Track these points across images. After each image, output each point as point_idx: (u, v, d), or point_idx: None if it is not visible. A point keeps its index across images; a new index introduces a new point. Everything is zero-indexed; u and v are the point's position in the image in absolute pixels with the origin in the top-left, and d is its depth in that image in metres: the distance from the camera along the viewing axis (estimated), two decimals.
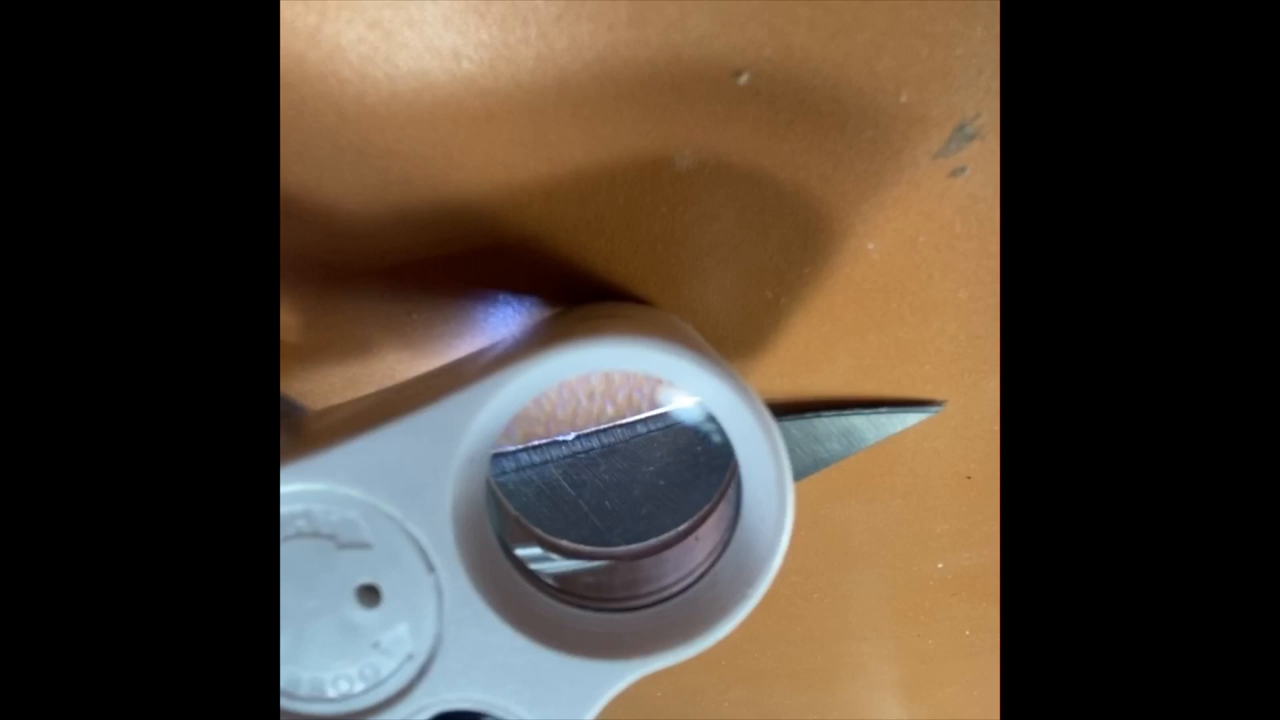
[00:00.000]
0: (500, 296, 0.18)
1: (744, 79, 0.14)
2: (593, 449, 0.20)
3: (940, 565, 0.27)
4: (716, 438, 0.19)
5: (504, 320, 0.18)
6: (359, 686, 0.14)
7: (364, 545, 0.14)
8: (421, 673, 0.14)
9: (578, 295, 0.18)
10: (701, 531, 0.17)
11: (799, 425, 0.21)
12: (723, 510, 0.17)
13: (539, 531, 0.19)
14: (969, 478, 0.24)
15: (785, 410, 0.21)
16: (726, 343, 0.19)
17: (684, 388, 0.13)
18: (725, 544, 0.15)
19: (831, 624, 0.30)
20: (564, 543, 0.19)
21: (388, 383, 0.18)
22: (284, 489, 0.13)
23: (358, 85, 0.14)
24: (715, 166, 0.16)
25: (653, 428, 0.20)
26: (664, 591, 0.15)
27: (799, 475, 0.22)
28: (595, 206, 0.16)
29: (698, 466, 0.20)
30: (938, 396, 0.21)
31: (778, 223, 0.17)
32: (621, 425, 0.20)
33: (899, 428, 0.21)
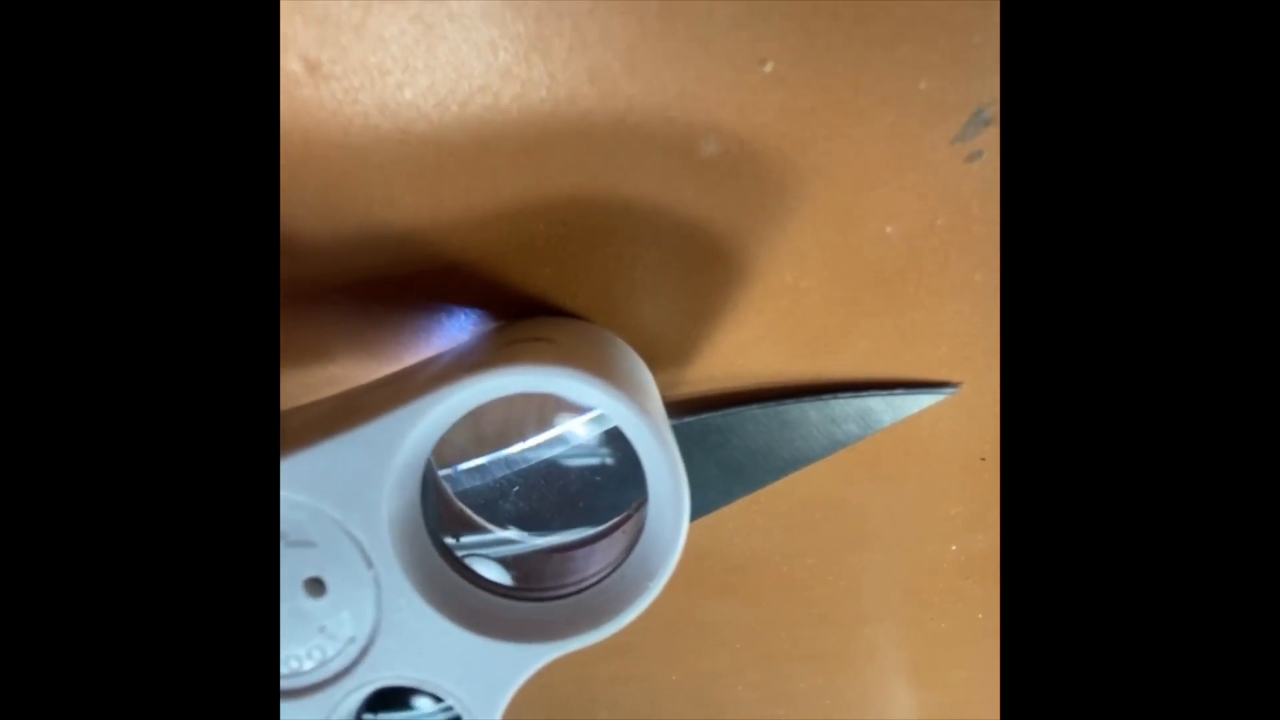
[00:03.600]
0: (502, 298, 0.19)
1: (768, 67, 0.15)
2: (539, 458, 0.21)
3: (954, 548, 0.28)
4: None
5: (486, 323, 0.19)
6: (308, 665, 0.16)
7: (310, 544, 0.15)
8: (362, 653, 0.16)
9: (595, 288, 0.19)
10: (627, 526, 0.19)
11: (817, 407, 0.22)
12: (644, 510, 0.18)
13: (480, 520, 0.21)
14: (983, 459, 0.24)
15: (803, 392, 0.22)
16: (746, 326, 0.20)
17: (594, 408, 0.14)
18: (636, 541, 0.16)
19: (845, 607, 0.31)
20: (507, 533, 0.21)
21: (344, 386, 0.19)
22: None
23: (398, 77, 0.15)
24: (739, 153, 0.16)
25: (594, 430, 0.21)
26: (584, 582, 0.17)
27: (816, 456, 0.23)
28: (624, 193, 0.17)
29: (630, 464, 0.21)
30: (953, 379, 0.22)
31: (799, 207, 0.17)
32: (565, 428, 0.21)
33: (914, 409, 0.22)
